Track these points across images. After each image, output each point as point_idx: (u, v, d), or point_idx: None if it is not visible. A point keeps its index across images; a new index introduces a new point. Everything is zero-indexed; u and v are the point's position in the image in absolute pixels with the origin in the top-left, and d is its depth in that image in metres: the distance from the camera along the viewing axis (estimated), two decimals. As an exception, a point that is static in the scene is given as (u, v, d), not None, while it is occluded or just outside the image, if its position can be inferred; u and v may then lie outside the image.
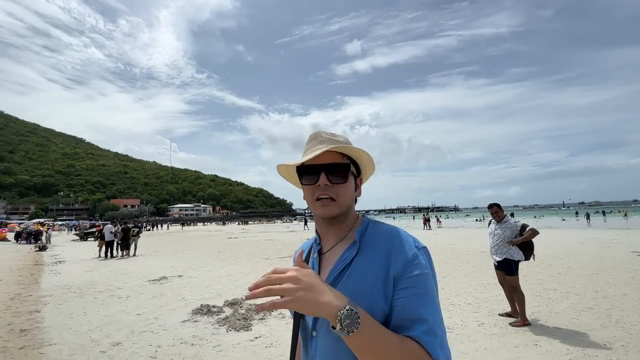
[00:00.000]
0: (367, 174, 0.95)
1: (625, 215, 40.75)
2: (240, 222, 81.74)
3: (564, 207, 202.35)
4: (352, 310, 0.60)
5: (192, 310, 5.18)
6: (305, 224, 39.26)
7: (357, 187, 0.90)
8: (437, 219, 36.15)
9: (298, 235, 24.24)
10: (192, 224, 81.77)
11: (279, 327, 4.33)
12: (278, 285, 0.61)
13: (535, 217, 54.44)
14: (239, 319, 4.60)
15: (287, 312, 4.91)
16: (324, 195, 0.80)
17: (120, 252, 13.77)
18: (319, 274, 0.80)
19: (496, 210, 4.53)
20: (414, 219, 63.24)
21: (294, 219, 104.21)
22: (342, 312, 0.60)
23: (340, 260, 0.80)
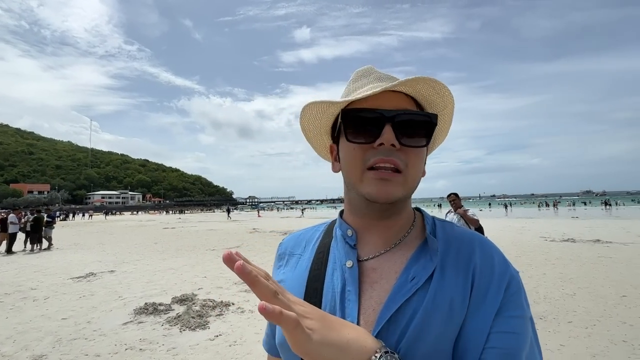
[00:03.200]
0: (437, 141, 0.64)
1: (555, 205, 45.74)
2: (176, 211, 76.32)
3: (480, 199, 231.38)
4: (391, 352, 0.40)
5: (134, 310, 4.55)
6: (229, 214, 36.97)
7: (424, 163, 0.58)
8: None
9: (242, 225, 23.46)
10: (118, 213, 73.65)
11: (239, 323, 4.04)
12: (289, 313, 0.36)
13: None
14: (193, 317, 4.17)
15: (246, 306, 4.63)
16: (386, 164, 0.48)
17: (30, 246, 11.66)
18: (358, 295, 0.49)
19: (453, 199, 4.78)
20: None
21: (235, 209, 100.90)
22: (376, 355, 0.39)
23: (405, 278, 0.49)
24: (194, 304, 4.73)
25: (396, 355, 0.40)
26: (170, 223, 27.81)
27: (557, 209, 40.39)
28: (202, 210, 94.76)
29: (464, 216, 4.50)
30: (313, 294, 0.53)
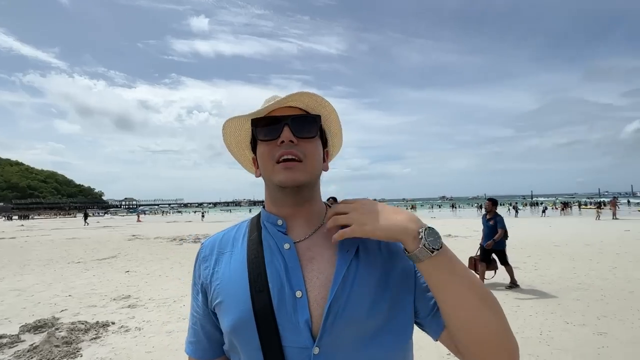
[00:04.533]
0: (335, 144, 0.77)
1: (413, 207, 54.53)
2: (15, 217, 59.06)
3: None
4: (433, 228, 0.54)
5: (-43, 349, 3.39)
6: (85, 219, 31.73)
7: (325, 159, 0.72)
8: None
9: (117, 231, 20.04)
10: None
11: (124, 344, 3.50)
12: (343, 215, 0.58)
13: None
14: (57, 345, 3.39)
15: (131, 324, 4.04)
16: (288, 155, 0.61)
17: None
18: (301, 270, 0.59)
19: (332, 202, 5.34)
20: (250, 211, 66.01)
21: (105, 212, 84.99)
22: (423, 229, 0.54)
23: (342, 250, 0.60)
24: (57, 329, 3.83)
25: (435, 230, 0.54)
26: (8, 232, 21.48)
27: (415, 210, 49.72)
28: (57, 215, 76.15)
29: None
30: (258, 278, 0.59)
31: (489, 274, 5.61)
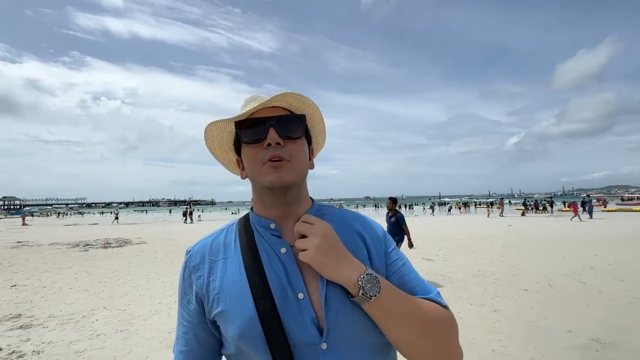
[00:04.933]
0: (319, 142, 0.79)
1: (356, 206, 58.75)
2: None
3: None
4: (372, 274, 0.58)
5: None
6: None
7: (310, 157, 0.73)
8: (190, 213, 28.20)
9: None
10: None
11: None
12: (305, 239, 0.58)
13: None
14: None
15: (26, 347, 3.37)
16: (275, 157, 0.61)
17: None
18: (300, 273, 0.61)
19: None
20: (170, 212, 60.44)
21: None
22: (362, 276, 0.56)
23: None
24: None
25: (373, 274, 0.57)
26: None
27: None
28: None
29: None
30: (259, 284, 0.59)
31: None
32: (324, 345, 0.57)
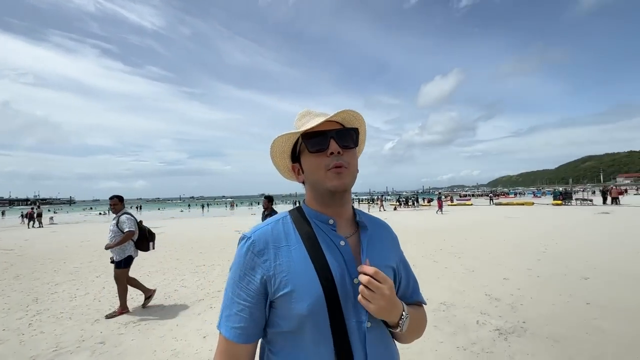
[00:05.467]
0: (361, 149, 0.92)
1: (232, 206, 55.33)
2: None
3: (180, 200, 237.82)
4: (407, 314, 0.75)
5: None
6: None
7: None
8: (39, 215, 22.50)
9: None
10: None
11: None
12: (373, 295, 0.68)
13: (159, 209, 59.51)
14: None
15: None
16: (337, 164, 0.74)
17: None
18: (355, 263, 0.76)
19: (115, 202, 4.46)
20: (2, 214, 45.97)
21: None
22: (402, 320, 0.74)
23: (375, 256, 0.79)
24: None
25: (407, 314, 0.75)
26: None
27: (234, 207, 50.42)
28: None
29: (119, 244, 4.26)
30: (324, 269, 0.72)
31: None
32: (369, 324, 0.73)
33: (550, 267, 5.78)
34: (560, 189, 51.13)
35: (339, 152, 0.75)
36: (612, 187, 28.09)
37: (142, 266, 7.14)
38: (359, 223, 0.83)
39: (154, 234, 4.73)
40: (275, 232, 0.77)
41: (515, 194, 64.90)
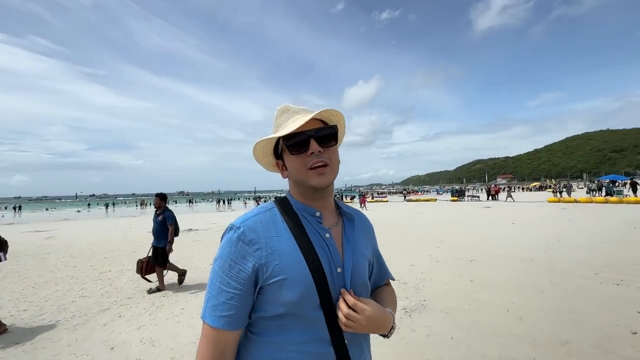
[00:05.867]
0: (341, 140, 0.95)
1: (143, 205, 49.38)
2: None
3: (76, 198, 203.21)
4: (395, 324, 0.85)
5: None
6: None
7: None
8: None
9: None
10: None
11: None
12: (354, 324, 0.76)
13: (47, 209, 49.96)
14: None
15: None
16: (318, 163, 0.79)
17: None
18: (339, 253, 0.83)
19: None
20: None
21: None
22: (392, 331, 0.84)
23: (356, 244, 0.87)
24: None
25: (395, 324, 0.84)
26: None
27: (146, 206, 46.17)
28: None
29: None
30: (313, 260, 0.77)
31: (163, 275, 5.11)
32: None
33: (447, 253, 6.81)
34: (457, 187, 60.07)
35: (319, 152, 0.80)
36: (492, 186, 34.08)
37: (25, 277, 6.00)
38: (341, 215, 0.93)
39: (5, 241, 3.87)
40: (264, 222, 0.80)
41: (423, 192, 73.51)
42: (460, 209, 19.58)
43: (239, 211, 28.89)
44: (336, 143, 0.85)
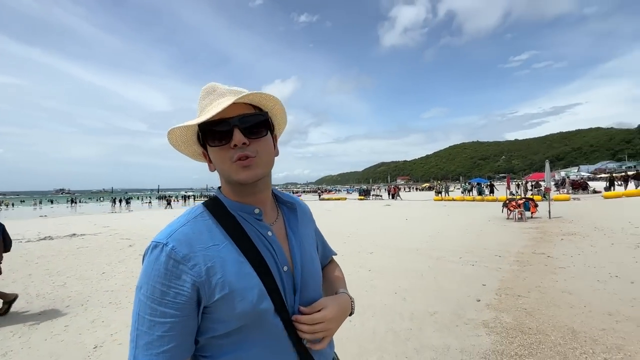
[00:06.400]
0: (281, 128, 0.82)
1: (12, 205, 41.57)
2: None
3: None
4: (353, 299, 0.86)
5: None
6: None
7: (275, 145, 0.76)
8: None
9: None
10: None
11: None
12: (320, 332, 0.73)
13: None
14: None
15: None
16: (243, 156, 0.66)
17: None
18: (283, 251, 0.75)
19: None
20: None
21: None
22: (353, 308, 0.86)
23: (301, 235, 0.82)
24: None
25: (354, 305, 0.86)
26: None
27: (13, 207, 39.50)
28: None
29: None
30: (259, 263, 0.69)
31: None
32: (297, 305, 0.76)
33: (351, 247, 7.55)
34: (364, 187, 65.81)
35: (244, 144, 0.66)
36: (391, 187, 38.50)
37: None
38: (281, 205, 0.84)
39: None
40: (196, 231, 0.67)
41: (335, 191, 77.99)
42: (365, 207, 21.58)
43: (143, 211, 25.82)
44: (268, 132, 0.71)
